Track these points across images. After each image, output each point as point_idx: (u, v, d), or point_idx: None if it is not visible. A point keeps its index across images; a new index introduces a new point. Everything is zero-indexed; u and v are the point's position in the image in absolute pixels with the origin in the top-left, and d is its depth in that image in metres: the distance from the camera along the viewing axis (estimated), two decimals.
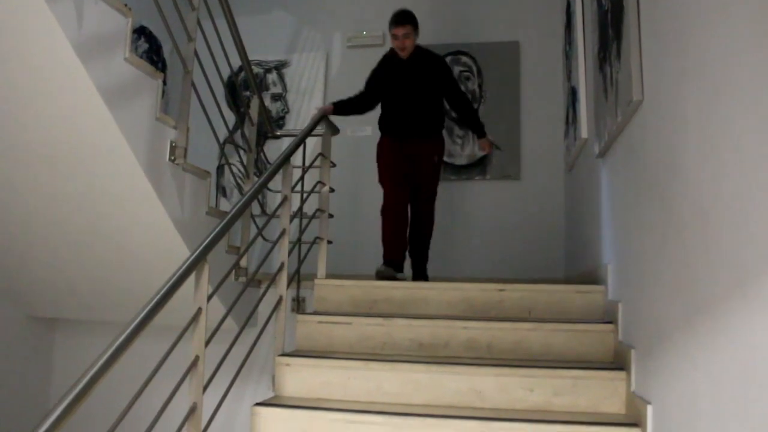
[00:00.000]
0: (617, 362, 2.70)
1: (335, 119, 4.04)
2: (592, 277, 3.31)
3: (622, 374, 2.54)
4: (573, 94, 4.04)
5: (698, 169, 1.66)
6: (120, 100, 2.65)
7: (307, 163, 3.75)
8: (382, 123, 4.19)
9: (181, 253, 3.01)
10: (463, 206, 5.09)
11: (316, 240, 3.72)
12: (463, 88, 5.25)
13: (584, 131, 3.61)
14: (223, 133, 3.71)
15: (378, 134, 4.23)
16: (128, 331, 1.91)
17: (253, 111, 3.94)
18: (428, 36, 5.28)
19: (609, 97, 2.79)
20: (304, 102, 5.50)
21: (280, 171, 3.21)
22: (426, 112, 4.11)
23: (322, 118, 3.87)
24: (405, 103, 4.10)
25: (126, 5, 2.73)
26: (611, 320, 2.84)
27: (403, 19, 4.02)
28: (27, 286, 3.93)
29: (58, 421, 1.59)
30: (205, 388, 2.41)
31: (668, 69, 1.95)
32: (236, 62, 3.82)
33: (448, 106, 4.26)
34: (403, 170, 4.05)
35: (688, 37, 1.74)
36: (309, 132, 3.63)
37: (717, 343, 1.52)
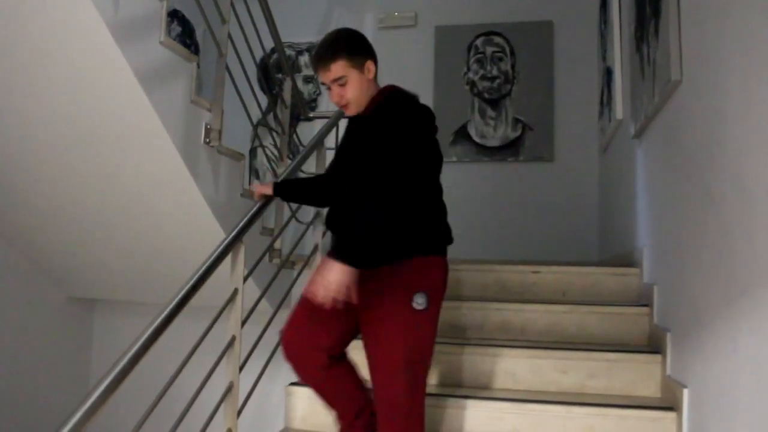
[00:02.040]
0: (652, 345, 2.68)
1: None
2: (627, 260, 3.28)
3: (657, 357, 2.52)
4: (608, 74, 3.98)
5: (740, 148, 1.63)
6: (156, 83, 2.68)
7: None
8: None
9: (216, 234, 3.04)
10: (495, 188, 5.05)
11: None
12: (495, 69, 5.23)
13: (619, 112, 3.56)
14: (255, 116, 3.71)
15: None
16: (167, 310, 1.95)
17: (286, 93, 3.95)
18: (460, 17, 5.25)
19: (646, 77, 2.75)
20: None
21: (314, 153, 3.22)
22: (377, 215, 1.90)
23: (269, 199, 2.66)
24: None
25: None
26: (646, 303, 2.81)
27: (325, 53, 2.09)
28: (66, 268, 4.01)
29: (101, 399, 1.63)
30: (241, 368, 2.45)
31: (708, 47, 1.91)
32: (268, 45, 3.81)
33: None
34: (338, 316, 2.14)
35: (729, 14, 1.70)
36: (342, 114, 3.62)
37: (760, 326, 1.50)
